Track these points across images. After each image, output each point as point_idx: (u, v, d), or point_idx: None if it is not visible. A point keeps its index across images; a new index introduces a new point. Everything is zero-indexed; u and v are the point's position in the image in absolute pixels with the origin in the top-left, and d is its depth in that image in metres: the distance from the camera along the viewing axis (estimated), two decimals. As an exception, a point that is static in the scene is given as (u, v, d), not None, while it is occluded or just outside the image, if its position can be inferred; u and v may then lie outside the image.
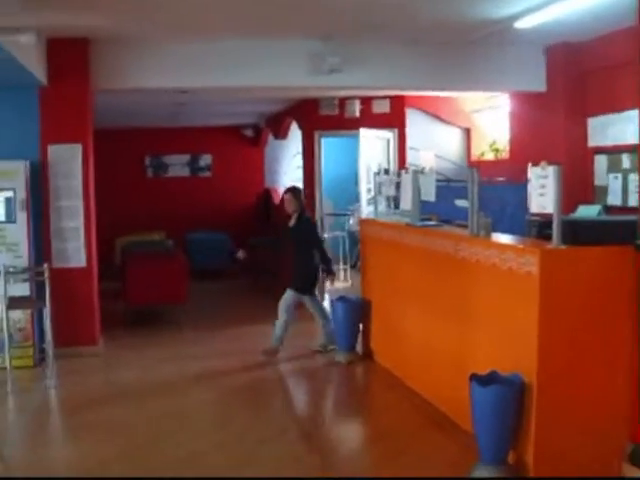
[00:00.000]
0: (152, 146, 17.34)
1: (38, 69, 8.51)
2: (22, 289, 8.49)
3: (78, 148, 9.08)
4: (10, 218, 8.65)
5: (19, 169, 8.67)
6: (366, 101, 12.35)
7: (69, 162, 9.04)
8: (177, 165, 17.60)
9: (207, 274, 14.80)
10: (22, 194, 8.66)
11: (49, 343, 8.30)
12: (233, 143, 17.72)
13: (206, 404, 7.45)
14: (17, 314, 8.49)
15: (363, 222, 9.55)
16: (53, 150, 9.03)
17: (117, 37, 8.99)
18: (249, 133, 17.79)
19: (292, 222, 9.06)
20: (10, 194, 8.65)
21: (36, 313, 8.69)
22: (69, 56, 8.95)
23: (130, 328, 10.78)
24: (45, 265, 8.39)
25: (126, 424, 6.81)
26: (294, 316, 9.01)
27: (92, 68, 9.12)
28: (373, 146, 11.57)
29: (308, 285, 9.05)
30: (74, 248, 9.08)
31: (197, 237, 15.80)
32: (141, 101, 12.38)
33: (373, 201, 9.83)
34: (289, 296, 8.94)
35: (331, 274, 9.45)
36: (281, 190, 15.90)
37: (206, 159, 17.71)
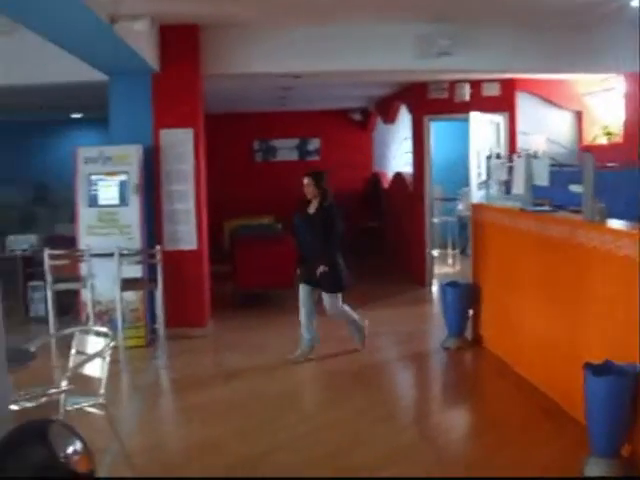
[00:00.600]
0: (261, 130, 17.44)
1: (151, 55, 8.67)
2: (135, 271, 8.70)
3: (190, 133, 9.22)
4: (124, 201, 8.86)
5: (133, 153, 8.88)
6: (475, 84, 12.13)
7: (181, 146, 9.20)
8: (285, 149, 17.66)
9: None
10: (135, 178, 8.86)
11: (160, 324, 8.49)
12: (341, 127, 17.67)
13: (314, 387, 7.49)
14: (130, 295, 8.70)
15: (475, 207, 9.38)
16: (165, 135, 9.20)
17: (226, 23, 9.07)
18: (357, 117, 17.72)
19: (312, 209, 8.26)
20: (124, 178, 8.86)
21: (148, 295, 8.88)
22: (180, 42, 9.10)
23: (238, 311, 10.90)
24: (157, 247, 8.56)
25: (237, 405, 6.91)
26: (314, 311, 8.27)
27: (202, 54, 9.24)
28: (483, 130, 11.36)
29: (329, 280, 8.09)
30: (185, 231, 9.24)
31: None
32: (249, 85, 12.45)
33: (484, 185, 9.66)
34: (301, 291, 8.29)
35: (325, 264, 8.02)
36: (390, 175, 15.83)
37: (314, 143, 17.71)
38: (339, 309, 8.25)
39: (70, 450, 3.44)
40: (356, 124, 17.86)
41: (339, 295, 8.22)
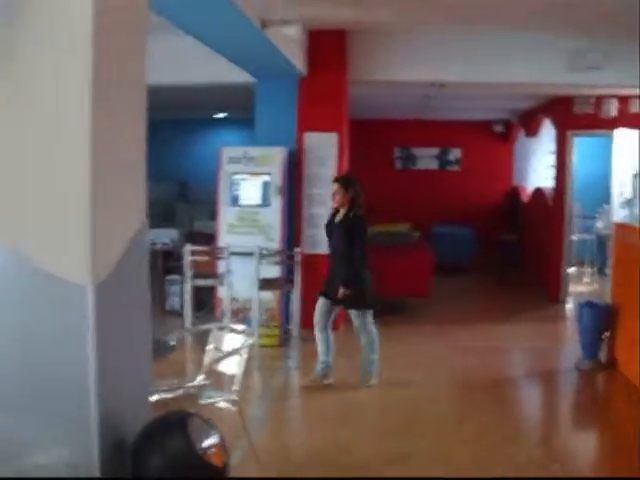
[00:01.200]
0: (402, 138, 17.39)
1: (299, 60, 8.78)
2: (272, 271, 8.82)
3: (333, 137, 9.30)
4: (266, 202, 9.00)
5: (277, 155, 9.01)
6: (623, 100, 11.78)
7: (324, 150, 9.29)
8: (426, 158, 17.55)
9: (451, 268, 14.62)
10: (278, 179, 8.99)
11: (295, 325, 8.57)
12: (483, 138, 17.45)
13: (444, 399, 7.40)
14: (267, 295, 8.82)
15: (618, 226, 9.08)
16: (309, 138, 9.31)
17: (374, 29, 9.11)
18: (499, 128, 17.46)
19: (338, 218, 7.53)
20: (267, 179, 9.01)
21: (284, 295, 8.99)
22: (328, 47, 9.19)
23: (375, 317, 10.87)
24: (297, 250, 8.65)
25: (364, 411, 6.92)
26: (327, 331, 7.58)
27: (348, 59, 9.30)
28: (628, 147, 11.01)
29: (353, 296, 7.33)
30: (323, 235, 9.28)
31: (443, 231, 15.69)
32: (393, 92, 12.46)
33: (627, 204, 9.36)
34: (319, 306, 7.51)
35: (346, 286, 7.27)
36: (529, 188, 15.53)
37: (455, 153, 17.54)
38: (368, 328, 7.49)
39: (207, 443, 3.51)
40: (498, 136, 17.60)
41: (367, 312, 7.47)
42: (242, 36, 7.19)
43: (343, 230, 7.39)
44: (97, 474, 3.39)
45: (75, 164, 3.29)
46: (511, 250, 14.89)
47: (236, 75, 9.12)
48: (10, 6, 3.37)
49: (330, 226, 7.60)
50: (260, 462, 5.48)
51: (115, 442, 3.51)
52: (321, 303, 7.47)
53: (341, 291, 7.25)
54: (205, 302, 9.49)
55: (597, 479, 5.20)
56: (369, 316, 7.47)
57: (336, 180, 7.61)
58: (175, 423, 3.58)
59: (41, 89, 3.35)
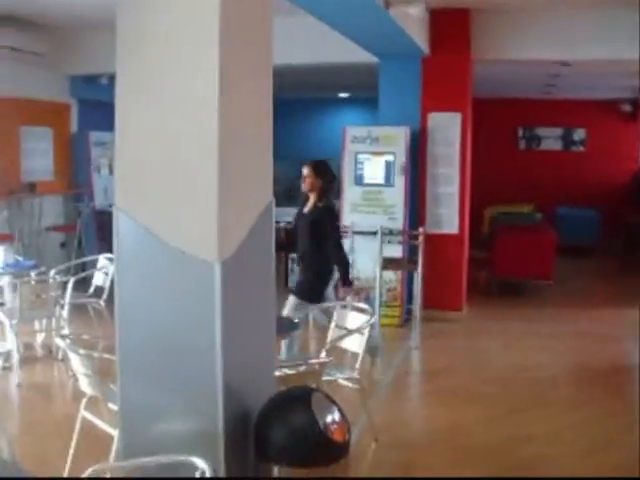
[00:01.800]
0: (525, 117, 17.08)
1: (422, 39, 8.73)
2: (395, 251, 8.87)
3: (457, 117, 9.22)
4: (389, 181, 9.04)
5: (400, 135, 9.02)
6: None
7: (448, 130, 9.23)
8: (550, 138, 17.17)
9: (575, 250, 14.26)
10: (402, 159, 9.00)
11: (416, 305, 8.58)
12: (609, 117, 16.92)
13: (561, 384, 7.29)
14: (389, 275, 8.88)
15: None
16: (433, 118, 9.26)
17: (498, 7, 8.96)
18: (626, 108, 16.90)
19: (307, 207, 6.81)
20: (390, 158, 9.04)
21: (406, 275, 9.01)
22: (451, 26, 9.10)
23: (493, 299, 10.79)
24: (420, 229, 8.65)
25: (482, 393, 6.87)
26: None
27: (472, 38, 9.19)
28: None
29: (317, 291, 6.68)
30: (448, 214, 9.28)
31: (566, 212, 15.37)
32: (516, 71, 12.24)
33: None
34: (289, 303, 6.68)
35: (347, 284, 6.78)
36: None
37: (580, 133, 17.11)
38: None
39: (329, 419, 3.58)
40: (624, 115, 17.04)
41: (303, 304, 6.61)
42: (366, 16, 7.21)
43: (309, 221, 6.68)
44: (222, 443, 3.51)
45: (204, 144, 3.40)
46: (636, 233, 14.44)
47: (359, 55, 9.14)
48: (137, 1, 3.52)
49: (297, 215, 6.96)
50: (378, 441, 5.55)
51: (240, 414, 3.63)
52: (290, 301, 6.70)
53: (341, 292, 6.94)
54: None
55: (598, 479, 5.05)
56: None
57: (307, 164, 6.79)
58: (299, 398, 3.66)
59: (172, 73, 3.47)
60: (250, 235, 3.63)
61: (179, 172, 3.49)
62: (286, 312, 6.55)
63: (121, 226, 3.61)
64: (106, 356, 4.88)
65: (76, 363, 4.83)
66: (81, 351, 4.80)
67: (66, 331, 7.29)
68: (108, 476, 3.57)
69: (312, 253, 6.64)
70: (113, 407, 4.61)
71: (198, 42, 3.40)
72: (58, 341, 4.99)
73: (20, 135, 10.54)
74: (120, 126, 3.63)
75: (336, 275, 6.74)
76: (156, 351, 3.59)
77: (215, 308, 3.40)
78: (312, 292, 6.64)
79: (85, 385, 4.84)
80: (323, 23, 7.50)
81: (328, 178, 6.73)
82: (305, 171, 6.70)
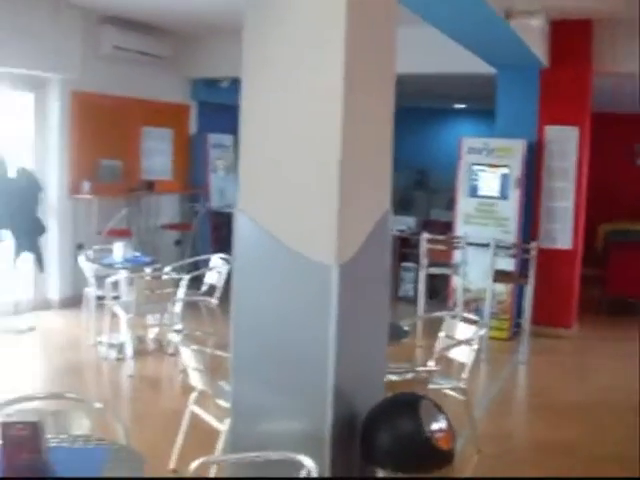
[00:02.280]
0: (640, 133, 16.64)
1: (541, 51, 8.64)
2: (507, 264, 8.78)
3: (575, 130, 9.08)
4: (503, 194, 8.97)
5: (517, 147, 8.94)
6: None
7: (565, 144, 9.10)
8: (670, 154, 16.68)
9: None
10: (517, 172, 8.92)
11: (526, 319, 8.47)
12: None
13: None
14: (499, 287, 8.80)
15: None
16: (550, 131, 9.15)
17: (621, 18, 8.77)
18: None
19: None
20: (506, 171, 8.96)
21: (517, 289, 8.92)
22: (571, 38, 8.97)
23: (605, 317, 10.56)
24: (533, 243, 8.55)
25: (588, 412, 6.75)
26: None
27: (593, 50, 9.03)
28: None
29: None
30: (561, 229, 9.15)
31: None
32: (634, 85, 11.95)
33: None
34: None
35: None
36: None
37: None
38: None
39: (436, 426, 3.59)
40: None
41: None
42: (487, 27, 7.18)
43: None
44: (328, 444, 3.57)
45: (327, 149, 3.48)
46: None
47: (477, 66, 9.09)
48: (265, 5, 3.62)
49: None
50: (482, 452, 5.53)
51: (347, 416, 3.68)
52: None
53: None
54: (438, 291, 9.59)
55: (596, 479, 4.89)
56: None
57: None
58: (407, 404, 3.70)
59: (297, 78, 3.56)
60: (367, 241, 3.68)
61: (301, 176, 3.57)
62: None
63: (241, 227, 3.71)
64: (218, 353, 5.02)
65: (188, 358, 4.97)
66: (193, 347, 4.93)
67: (178, 327, 7.48)
68: (213, 471, 3.68)
69: None
70: (221, 403, 4.75)
71: (323, 46, 3.47)
72: (172, 336, 5.16)
73: (142, 135, 10.89)
74: (245, 129, 3.73)
75: None
76: (270, 350, 3.68)
77: (331, 311, 3.47)
78: None
79: (195, 380, 4.98)
80: (442, 33, 7.51)
81: None
82: None
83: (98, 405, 3.73)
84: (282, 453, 3.29)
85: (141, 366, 7.44)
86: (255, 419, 3.78)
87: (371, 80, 3.70)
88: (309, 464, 3.09)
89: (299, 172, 3.58)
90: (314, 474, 3.05)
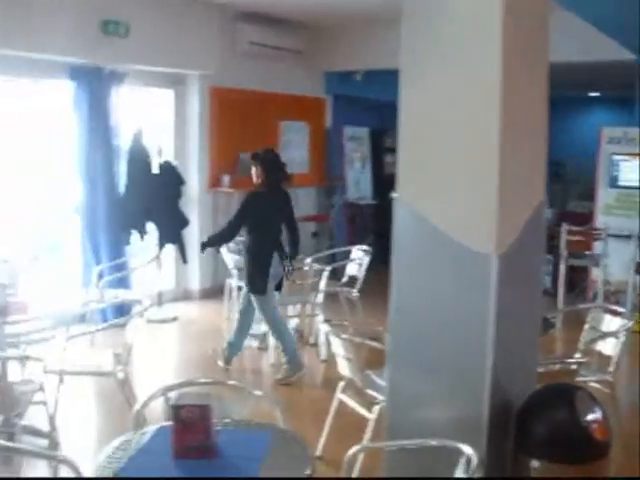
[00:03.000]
0: None
1: None
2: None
3: None
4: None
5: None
6: None
7: None
8: None
9: None
10: (660, 161, 8.70)
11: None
12: None
13: None
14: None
15: None
16: None
17: None
18: None
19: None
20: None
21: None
22: None
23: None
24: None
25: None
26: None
27: None
28: None
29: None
30: None
31: None
32: None
33: None
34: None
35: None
36: None
37: None
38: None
39: (591, 417, 3.58)
40: None
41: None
42: (630, 12, 7.02)
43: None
44: (485, 433, 3.60)
45: (486, 138, 3.51)
46: None
47: (615, 53, 8.87)
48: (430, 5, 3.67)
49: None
50: (628, 446, 5.43)
51: (503, 405, 3.71)
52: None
53: None
54: (576, 283, 9.44)
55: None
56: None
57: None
58: (563, 394, 3.70)
59: (455, 68, 3.60)
60: (524, 230, 3.70)
61: (460, 164, 3.62)
62: None
63: (400, 216, 3.78)
64: (367, 342, 5.10)
65: (337, 347, 5.07)
66: (343, 336, 5.03)
67: (320, 317, 7.62)
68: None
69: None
70: (370, 392, 4.83)
71: (481, 37, 3.51)
72: (321, 326, 5.26)
73: (280, 129, 11.10)
74: (403, 120, 3.81)
75: None
76: (428, 338, 3.74)
77: (489, 301, 3.50)
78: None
79: (344, 368, 5.08)
80: (581, 19, 7.37)
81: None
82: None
83: (258, 392, 3.86)
84: (441, 440, 3.34)
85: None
86: (411, 406, 3.85)
87: (527, 69, 3.71)
88: (468, 451, 3.11)
89: (457, 160, 3.63)
90: (474, 462, 3.08)
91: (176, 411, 3.09)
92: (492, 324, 3.52)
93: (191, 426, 3.09)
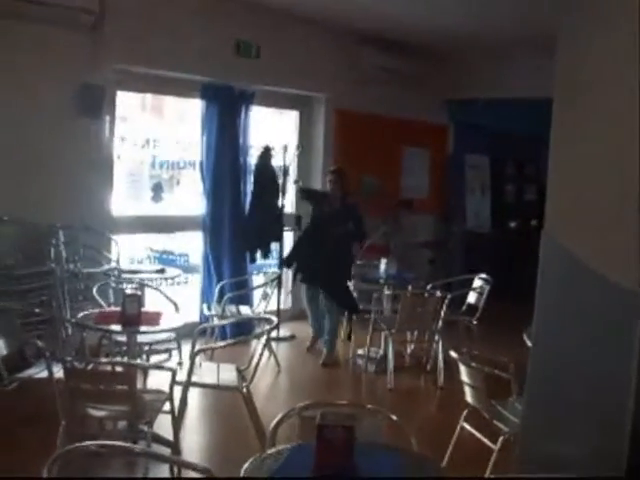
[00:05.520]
0: None
1: None
2: None
3: None
4: None
5: None
6: None
7: None
8: None
9: None
10: None
11: None
12: None
13: None
14: None
15: None
16: None
17: None
18: None
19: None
20: None
21: None
22: None
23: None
24: None
25: None
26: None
27: None
28: None
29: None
30: None
31: None
32: None
33: None
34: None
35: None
36: None
37: None
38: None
39: None
40: None
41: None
42: None
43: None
44: (623, 467, 3.49)
45: (633, 173, 3.42)
46: None
47: None
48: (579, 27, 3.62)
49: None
50: None
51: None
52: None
53: None
54: None
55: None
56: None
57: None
58: None
59: (612, 106, 3.53)
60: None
61: (607, 199, 3.54)
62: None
63: (547, 249, 3.73)
64: (496, 372, 5.03)
65: (464, 375, 5.02)
66: (472, 364, 4.98)
67: (440, 345, 7.56)
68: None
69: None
70: (497, 423, 4.77)
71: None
72: (452, 353, 5.22)
73: (402, 154, 11.12)
74: (555, 153, 3.76)
75: None
76: (568, 373, 3.67)
77: (635, 337, 3.40)
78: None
79: (470, 397, 5.03)
80: None
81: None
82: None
83: (394, 417, 3.85)
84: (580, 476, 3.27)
85: (399, 381, 7.55)
86: (544, 439, 3.77)
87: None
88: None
89: (605, 195, 3.55)
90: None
91: (321, 430, 3.10)
92: (636, 360, 3.41)
93: (334, 446, 3.09)
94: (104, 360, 5.62)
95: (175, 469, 4.71)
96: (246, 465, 3.25)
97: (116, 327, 5.67)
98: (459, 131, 12.02)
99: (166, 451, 5.14)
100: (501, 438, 4.69)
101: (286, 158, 8.89)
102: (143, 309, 5.75)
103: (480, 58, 10.73)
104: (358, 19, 9.30)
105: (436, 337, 7.71)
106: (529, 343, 4.49)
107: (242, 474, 3.20)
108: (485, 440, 4.92)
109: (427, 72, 10.89)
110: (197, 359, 5.67)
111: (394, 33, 9.97)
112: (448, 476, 4.14)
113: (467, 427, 5.17)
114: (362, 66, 10.21)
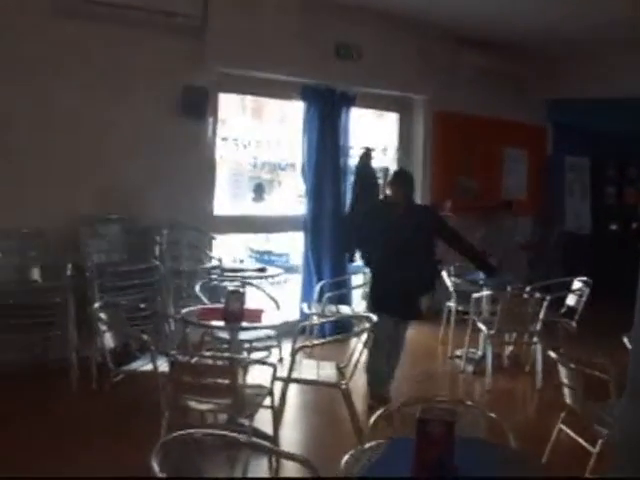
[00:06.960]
0: None
1: None
2: None
3: None
4: None
5: None
6: None
7: None
8: None
9: None
10: None
11: None
12: None
13: None
14: None
15: None
16: None
17: None
18: None
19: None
20: None
21: None
22: None
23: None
24: None
25: None
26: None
27: None
28: None
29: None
30: None
31: None
32: None
33: None
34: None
35: None
36: None
37: None
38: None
39: None
40: None
41: None
42: None
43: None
44: None
45: None
46: None
47: None
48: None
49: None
50: None
51: None
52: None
53: None
54: None
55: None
56: None
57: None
58: None
59: None
60: None
61: None
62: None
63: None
64: (596, 374, 4.99)
65: (563, 377, 5.00)
66: (572, 365, 4.95)
67: (539, 347, 7.50)
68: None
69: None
70: (596, 426, 4.73)
71: None
72: (551, 354, 5.19)
73: (502, 155, 11.06)
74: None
75: None
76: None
77: None
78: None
79: (568, 398, 5.00)
80: None
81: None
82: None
83: (492, 415, 3.87)
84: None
85: (497, 382, 7.53)
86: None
87: None
88: None
89: None
90: None
91: (422, 425, 3.13)
92: None
93: (435, 440, 3.12)
94: (207, 354, 5.76)
95: (274, 463, 4.81)
96: (346, 457, 3.33)
97: (219, 323, 5.80)
98: (558, 132, 11.88)
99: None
100: (600, 441, 4.65)
101: (386, 160, 8.94)
102: (245, 306, 5.83)
103: (577, 58, 10.60)
104: (457, 20, 9.30)
105: (535, 339, 7.64)
106: (629, 346, 4.44)
107: (342, 465, 3.27)
108: (583, 442, 4.89)
109: (525, 73, 10.81)
110: (297, 356, 5.76)
111: (493, 34, 9.93)
112: (550, 476, 4.12)
113: (565, 429, 5.15)
114: (461, 67, 10.20)
